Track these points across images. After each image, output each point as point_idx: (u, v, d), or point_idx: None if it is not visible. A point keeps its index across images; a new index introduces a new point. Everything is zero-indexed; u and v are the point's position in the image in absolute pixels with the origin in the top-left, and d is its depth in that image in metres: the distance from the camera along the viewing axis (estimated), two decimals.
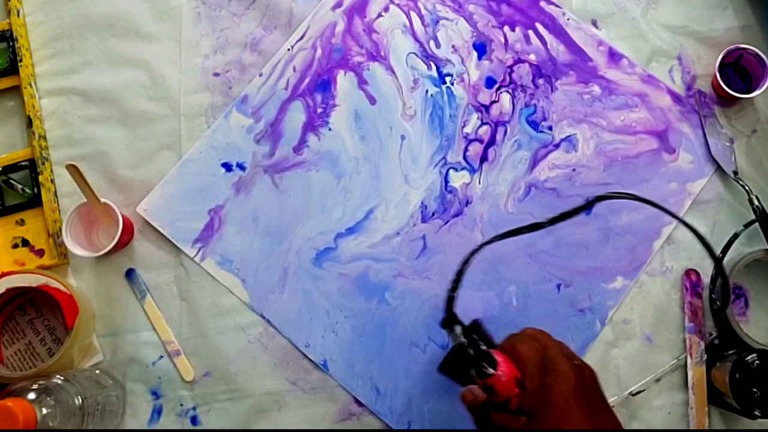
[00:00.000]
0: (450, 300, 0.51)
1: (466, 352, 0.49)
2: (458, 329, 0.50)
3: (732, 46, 0.71)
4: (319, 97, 0.74)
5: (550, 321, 0.69)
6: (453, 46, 0.75)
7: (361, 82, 0.74)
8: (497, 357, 0.50)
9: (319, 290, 0.70)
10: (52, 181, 0.73)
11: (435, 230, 0.71)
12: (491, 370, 0.49)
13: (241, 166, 0.73)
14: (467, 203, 0.72)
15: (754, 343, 0.66)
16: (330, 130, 0.73)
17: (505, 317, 0.69)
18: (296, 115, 0.74)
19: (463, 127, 0.74)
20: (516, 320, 0.69)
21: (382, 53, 0.75)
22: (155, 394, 0.70)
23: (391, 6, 0.76)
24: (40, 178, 0.73)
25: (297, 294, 0.70)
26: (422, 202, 0.72)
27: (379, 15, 0.76)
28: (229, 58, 0.76)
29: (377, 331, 0.70)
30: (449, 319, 0.51)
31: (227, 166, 0.73)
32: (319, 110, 0.74)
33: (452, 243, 0.71)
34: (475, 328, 0.59)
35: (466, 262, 0.53)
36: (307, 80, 0.75)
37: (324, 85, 0.74)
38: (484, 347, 0.50)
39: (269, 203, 0.72)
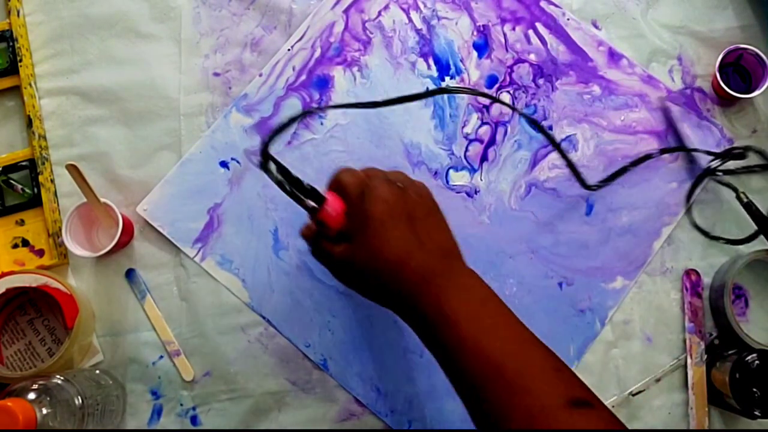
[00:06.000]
0: (265, 143, 0.51)
1: (286, 190, 0.50)
2: (272, 166, 0.50)
3: (732, 46, 0.71)
4: (316, 94, 0.74)
5: (550, 320, 0.69)
6: (453, 46, 0.75)
7: (360, 79, 0.74)
8: (327, 196, 0.52)
9: (298, 287, 0.70)
10: (52, 181, 0.73)
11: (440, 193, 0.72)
12: (311, 204, 0.51)
13: (237, 161, 0.73)
14: (476, 192, 0.72)
15: (754, 343, 0.66)
16: (322, 125, 0.74)
17: None
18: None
19: (463, 127, 0.74)
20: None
21: (382, 51, 0.75)
22: (155, 394, 0.70)
23: (391, 4, 0.76)
24: (40, 178, 0.73)
25: (284, 293, 0.70)
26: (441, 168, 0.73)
27: (379, 14, 0.76)
28: (229, 58, 0.76)
29: (362, 332, 0.70)
30: (264, 158, 0.50)
31: (225, 165, 0.73)
32: (315, 105, 0.74)
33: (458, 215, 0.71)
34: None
35: (294, 119, 0.55)
36: (303, 77, 0.75)
37: (321, 81, 0.74)
38: (308, 185, 0.51)
39: (261, 198, 0.72)
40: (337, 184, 0.53)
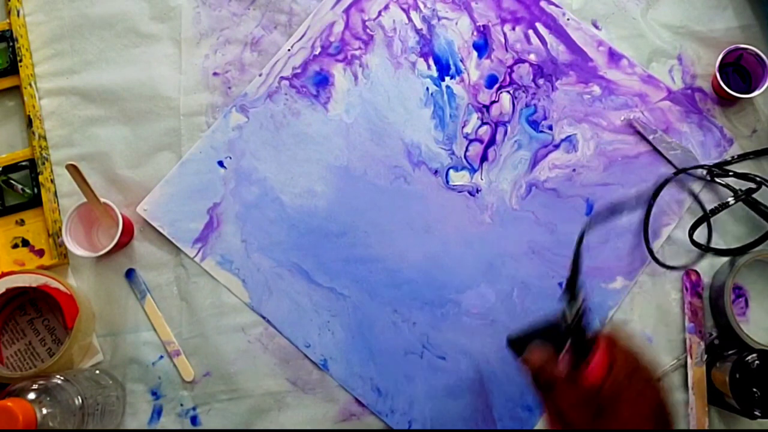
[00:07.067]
0: (575, 267, 0.48)
1: (573, 332, 0.47)
2: (580, 303, 0.48)
3: (732, 46, 0.71)
4: (314, 89, 0.74)
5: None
6: (453, 46, 0.75)
7: (361, 78, 0.74)
8: (599, 351, 0.48)
9: (293, 288, 0.70)
10: (52, 181, 0.73)
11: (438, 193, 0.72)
12: (586, 361, 0.47)
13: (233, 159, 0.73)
14: (478, 191, 0.72)
15: (754, 343, 0.66)
16: (326, 115, 0.74)
17: (504, 312, 0.69)
18: None
19: (463, 127, 0.74)
20: (515, 316, 0.69)
21: (382, 51, 0.75)
22: (155, 394, 0.70)
23: (391, 4, 0.76)
24: (40, 178, 0.73)
25: (284, 293, 0.70)
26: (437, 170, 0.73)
27: (379, 14, 0.76)
28: (229, 58, 0.76)
29: (362, 332, 0.70)
30: (572, 288, 0.48)
31: (224, 165, 0.73)
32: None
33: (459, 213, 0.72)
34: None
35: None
36: (299, 69, 0.75)
37: (321, 77, 0.74)
38: (590, 334, 0.48)
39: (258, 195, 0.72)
40: (609, 346, 0.49)
